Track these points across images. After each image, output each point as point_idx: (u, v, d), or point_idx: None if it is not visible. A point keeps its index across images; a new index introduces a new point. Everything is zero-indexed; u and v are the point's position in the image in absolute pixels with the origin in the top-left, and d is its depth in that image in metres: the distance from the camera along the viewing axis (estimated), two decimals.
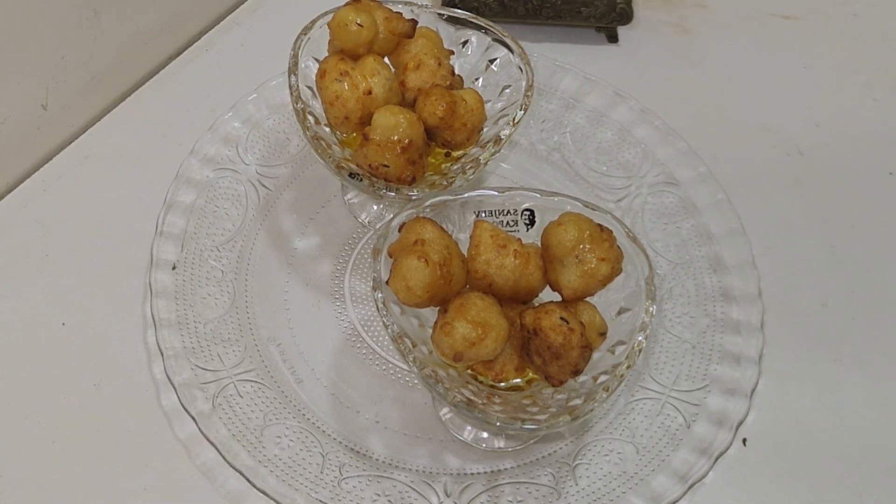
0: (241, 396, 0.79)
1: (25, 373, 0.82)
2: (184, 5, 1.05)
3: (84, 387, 0.81)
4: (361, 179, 0.79)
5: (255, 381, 0.81)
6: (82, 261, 0.88)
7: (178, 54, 1.05)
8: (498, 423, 0.70)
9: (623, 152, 0.95)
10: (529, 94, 0.83)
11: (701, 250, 0.88)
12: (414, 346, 0.72)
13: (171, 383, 0.79)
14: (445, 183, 0.81)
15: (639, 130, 0.96)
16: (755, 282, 0.85)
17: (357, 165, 0.80)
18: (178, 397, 0.78)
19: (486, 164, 0.82)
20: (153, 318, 0.82)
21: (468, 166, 0.82)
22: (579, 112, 0.98)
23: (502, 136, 0.82)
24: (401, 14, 0.82)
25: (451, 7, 0.92)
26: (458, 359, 0.71)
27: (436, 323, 0.73)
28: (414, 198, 0.80)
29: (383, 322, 0.72)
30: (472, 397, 0.72)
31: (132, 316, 0.85)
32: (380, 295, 0.72)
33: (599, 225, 0.73)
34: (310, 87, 0.84)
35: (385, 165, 0.78)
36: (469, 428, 0.79)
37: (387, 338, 0.80)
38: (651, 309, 0.73)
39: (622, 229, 0.75)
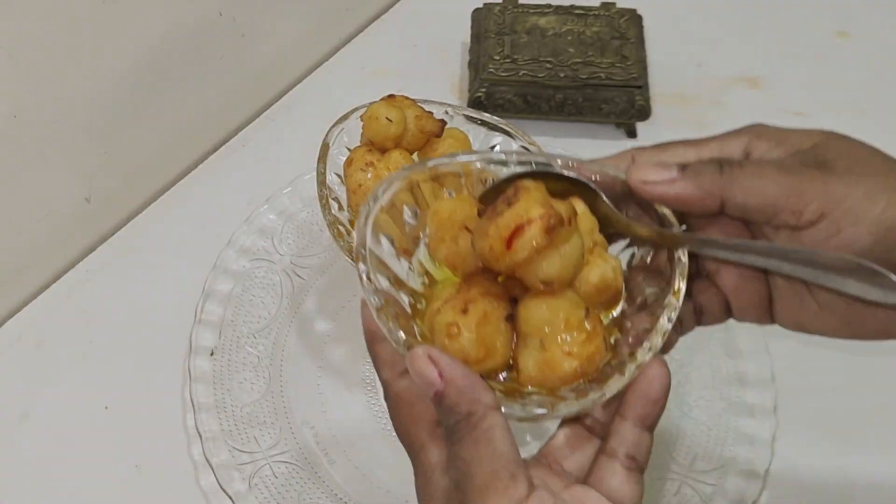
0: (276, 477, 0.82)
1: (69, 455, 0.85)
2: (221, 102, 1.09)
3: (126, 468, 0.84)
4: None
5: (290, 463, 0.83)
6: (124, 347, 0.91)
7: (215, 149, 1.08)
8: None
9: None
10: None
11: (716, 336, 0.90)
12: (396, 323, 0.62)
13: (210, 464, 0.82)
14: None
15: None
16: (768, 367, 0.87)
17: None
18: (216, 478, 0.81)
19: None
20: (192, 402, 0.85)
21: None
22: None
23: None
24: (432, 113, 0.85)
25: (479, 106, 0.95)
26: None
27: (441, 302, 0.63)
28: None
29: (365, 292, 0.62)
30: None
31: (172, 400, 0.88)
32: (363, 267, 0.63)
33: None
34: (338, 175, 0.86)
35: None
36: None
37: None
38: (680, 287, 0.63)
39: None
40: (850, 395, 0.89)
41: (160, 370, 0.90)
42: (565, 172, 0.67)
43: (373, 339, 0.63)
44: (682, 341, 0.89)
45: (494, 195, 0.63)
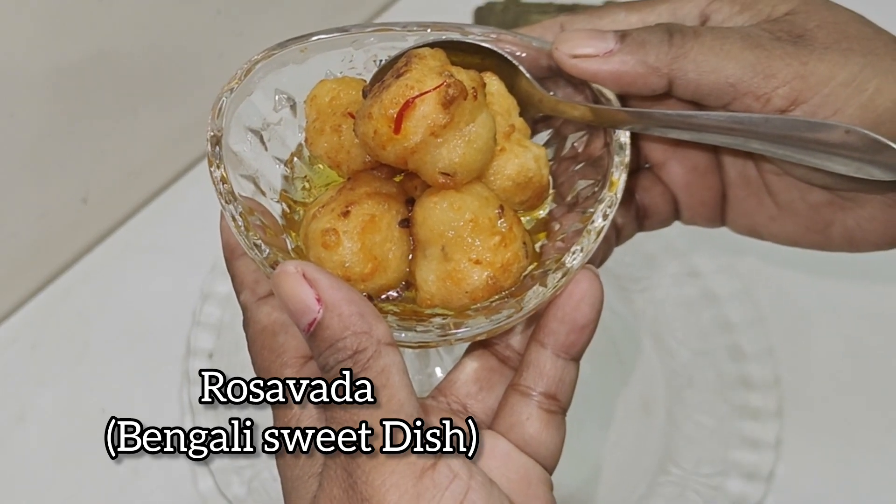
0: (276, 481, 0.81)
1: (65, 457, 0.84)
2: None
3: (124, 471, 0.83)
4: None
5: None
6: (121, 349, 0.91)
7: None
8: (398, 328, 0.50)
9: (646, 244, 0.95)
10: None
11: (721, 339, 0.89)
12: (262, 234, 0.52)
13: (209, 468, 0.81)
14: None
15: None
16: (773, 370, 0.86)
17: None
18: (215, 481, 0.80)
19: None
20: (190, 405, 0.84)
21: None
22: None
23: None
24: None
25: None
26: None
27: (318, 206, 0.53)
28: None
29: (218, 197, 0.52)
30: None
31: (170, 402, 0.87)
32: (216, 171, 0.52)
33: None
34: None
35: None
36: None
37: None
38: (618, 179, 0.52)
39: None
40: (854, 399, 0.88)
41: (157, 372, 0.89)
42: (475, 41, 0.56)
43: (232, 255, 0.53)
44: (686, 344, 0.89)
45: (387, 73, 0.52)
